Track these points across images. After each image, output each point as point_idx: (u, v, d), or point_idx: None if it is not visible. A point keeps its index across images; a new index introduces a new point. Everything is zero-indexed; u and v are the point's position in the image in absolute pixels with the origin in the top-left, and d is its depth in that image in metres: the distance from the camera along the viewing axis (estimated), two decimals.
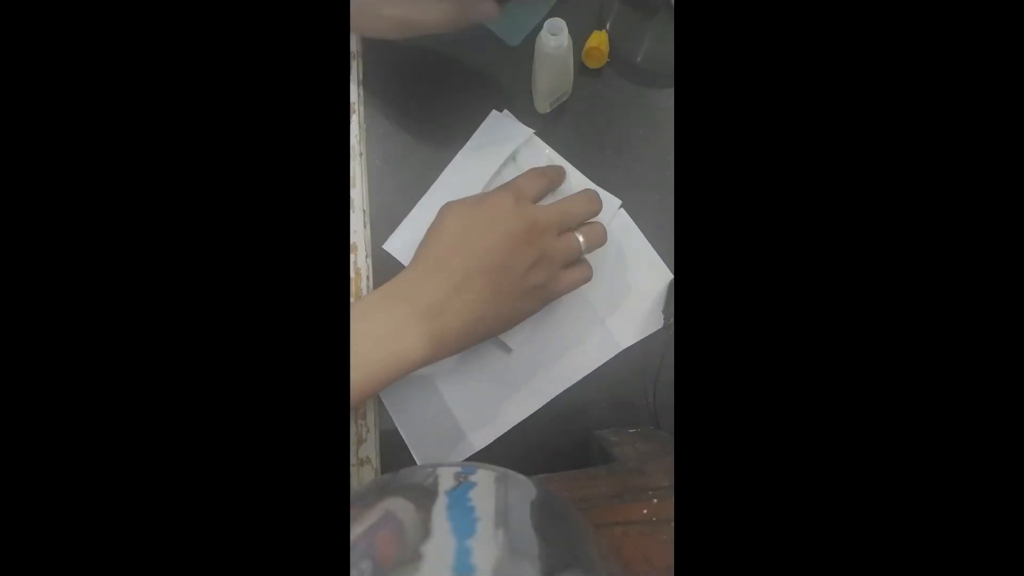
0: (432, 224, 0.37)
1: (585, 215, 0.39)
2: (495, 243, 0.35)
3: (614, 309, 0.44)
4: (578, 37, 0.42)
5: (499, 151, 0.44)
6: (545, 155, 0.45)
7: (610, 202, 0.44)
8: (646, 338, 0.44)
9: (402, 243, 0.44)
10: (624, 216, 0.44)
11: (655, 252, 0.44)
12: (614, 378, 0.44)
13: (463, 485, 0.26)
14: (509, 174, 0.44)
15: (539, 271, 0.36)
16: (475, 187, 0.43)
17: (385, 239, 0.44)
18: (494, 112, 0.45)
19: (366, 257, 0.43)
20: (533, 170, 0.40)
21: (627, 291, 0.44)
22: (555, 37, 0.37)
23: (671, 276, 0.44)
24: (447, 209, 0.37)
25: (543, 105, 0.44)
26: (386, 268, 0.43)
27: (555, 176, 0.41)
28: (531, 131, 0.44)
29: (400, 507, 0.24)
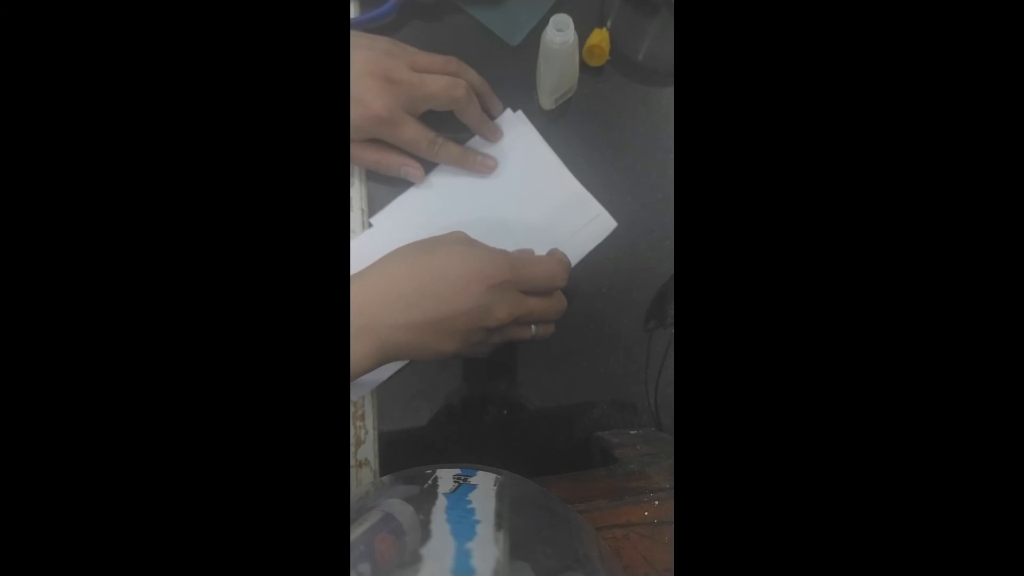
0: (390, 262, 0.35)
1: (545, 285, 0.37)
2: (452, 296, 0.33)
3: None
4: (579, 35, 0.41)
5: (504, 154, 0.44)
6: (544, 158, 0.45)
7: (605, 222, 0.44)
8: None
9: (390, 222, 0.44)
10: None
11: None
12: (615, 379, 0.44)
13: (463, 487, 0.26)
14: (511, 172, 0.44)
15: (479, 338, 0.35)
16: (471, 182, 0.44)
17: None
18: (508, 110, 0.45)
19: None
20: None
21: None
22: (561, 33, 0.37)
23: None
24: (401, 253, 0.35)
25: (547, 102, 0.43)
26: None
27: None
28: (540, 137, 0.44)
29: (399, 509, 0.24)
